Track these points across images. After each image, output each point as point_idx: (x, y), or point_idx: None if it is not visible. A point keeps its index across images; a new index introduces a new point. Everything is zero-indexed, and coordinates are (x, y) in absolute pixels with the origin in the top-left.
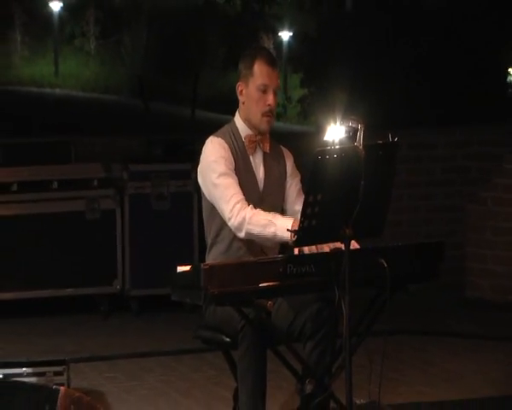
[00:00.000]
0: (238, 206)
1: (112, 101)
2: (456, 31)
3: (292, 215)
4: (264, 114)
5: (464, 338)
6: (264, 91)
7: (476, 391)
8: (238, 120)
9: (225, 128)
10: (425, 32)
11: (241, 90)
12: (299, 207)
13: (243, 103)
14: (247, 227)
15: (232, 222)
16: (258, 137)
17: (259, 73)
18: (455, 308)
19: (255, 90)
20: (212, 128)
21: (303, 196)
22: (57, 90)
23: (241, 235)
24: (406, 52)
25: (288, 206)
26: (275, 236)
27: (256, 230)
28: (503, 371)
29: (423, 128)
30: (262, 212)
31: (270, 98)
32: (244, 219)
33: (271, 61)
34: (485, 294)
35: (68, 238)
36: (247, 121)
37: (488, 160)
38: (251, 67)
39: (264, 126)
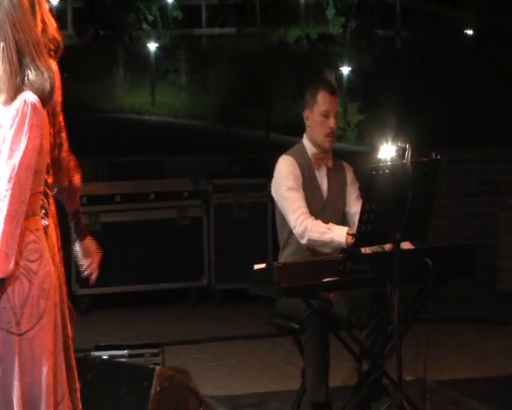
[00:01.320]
0: (302, 217)
1: (199, 126)
2: (488, 61)
3: (350, 217)
4: (326, 135)
5: (495, 324)
6: (326, 116)
7: (505, 369)
8: (306, 141)
9: (295, 147)
10: (462, 64)
11: (308, 117)
12: (355, 209)
13: (309, 127)
14: (308, 234)
15: (296, 230)
16: (323, 155)
17: (322, 101)
18: (487, 300)
19: (319, 116)
20: (282, 148)
21: (360, 201)
22: (153, 117)
23: (304, 241)
24: (445, 82)
25: (348, 209)
26: (332, 241)
27: (315, 236)
28: None
29: (460, 147)
30: (321, 222)
31: (332, 122)
32: (306, 228)
33: (332, 91)
34: None
35: (163, 241)
36: (312, 142)
37: None
38: (315, 96)
39: (326, 145)
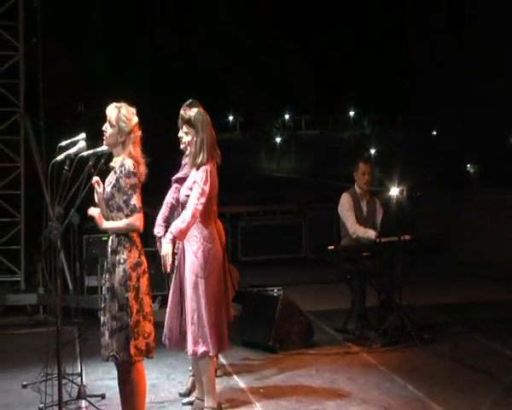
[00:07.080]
0: (353, 224)
1: (301, 178)
2: (444, 148)
3: (377, 225)
4: (364, 183)
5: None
6: (364, 174)
7: (464, 299)
8: (356, 186)
9: (351, 189)
10: (430, 148)
11: (355, 174)
12: (380, 220)
13: (356, 179)
14: (356, 233)
15: (351, 231)
16: (363, 194)
17: (361, 166)
18: (453, 267)
19: (360, 174)
20: (341, 189)
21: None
22: (277, 174)
23: (354, 236)
24: (423, 157)
25: (377, 221)
26: (368, 237)
27: (360, 234)
28: None
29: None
30: (363, 227)
31: (366, 177)
32: (356, 230)
33: (366, 162)
34: None
35: (282, 234)
36: (358, 187)
37: None
38: (358, 164)
39: (365, 188)
